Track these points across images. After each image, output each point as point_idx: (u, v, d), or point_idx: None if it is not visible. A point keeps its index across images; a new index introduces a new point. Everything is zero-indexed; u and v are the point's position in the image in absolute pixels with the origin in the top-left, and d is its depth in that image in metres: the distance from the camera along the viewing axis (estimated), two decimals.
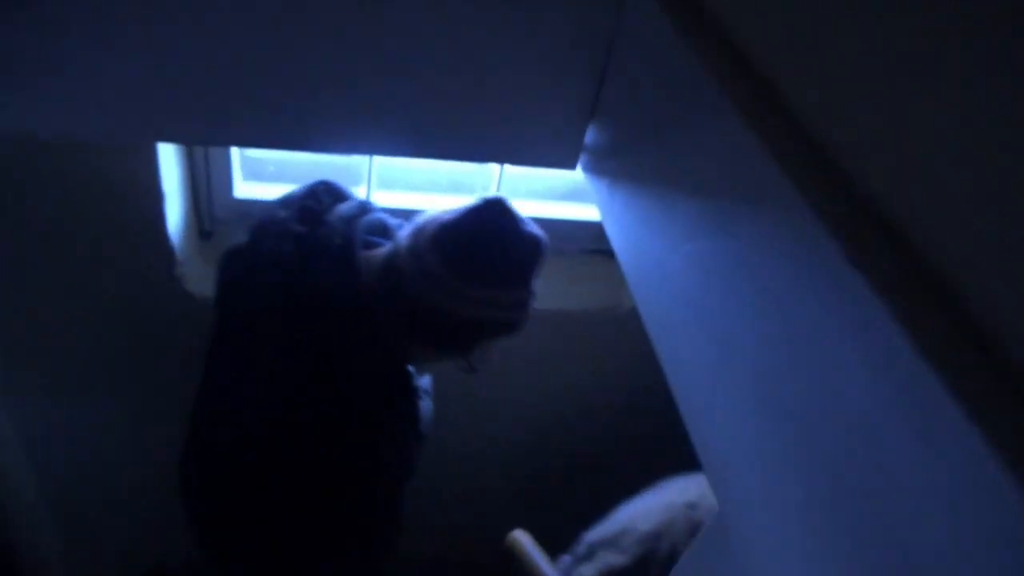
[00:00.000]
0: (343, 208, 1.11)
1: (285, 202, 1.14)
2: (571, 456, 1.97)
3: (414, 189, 1.60)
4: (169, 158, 1.33)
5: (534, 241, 1.01)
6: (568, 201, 1.67)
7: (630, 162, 0.90)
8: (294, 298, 1.01)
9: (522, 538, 1.22)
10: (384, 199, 1.56)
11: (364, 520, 1.09)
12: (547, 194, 1.67)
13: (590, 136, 1.01)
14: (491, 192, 1.19)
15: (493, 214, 0.99)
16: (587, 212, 1.67)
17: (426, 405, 1.17)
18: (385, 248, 1.07)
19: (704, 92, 0.68)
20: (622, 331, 1.64)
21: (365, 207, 1.13)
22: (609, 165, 0.96)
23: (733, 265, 0.65)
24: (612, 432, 1.92)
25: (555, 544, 1.23)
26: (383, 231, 1.14)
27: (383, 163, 1.55)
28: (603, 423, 1.91)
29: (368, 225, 1.10)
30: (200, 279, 1.48)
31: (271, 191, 1.53)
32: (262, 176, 1.54)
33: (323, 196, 1.14)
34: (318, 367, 1.00)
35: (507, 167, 1.58)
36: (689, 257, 0.74)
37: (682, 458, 0.90)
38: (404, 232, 1.04)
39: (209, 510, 1.13)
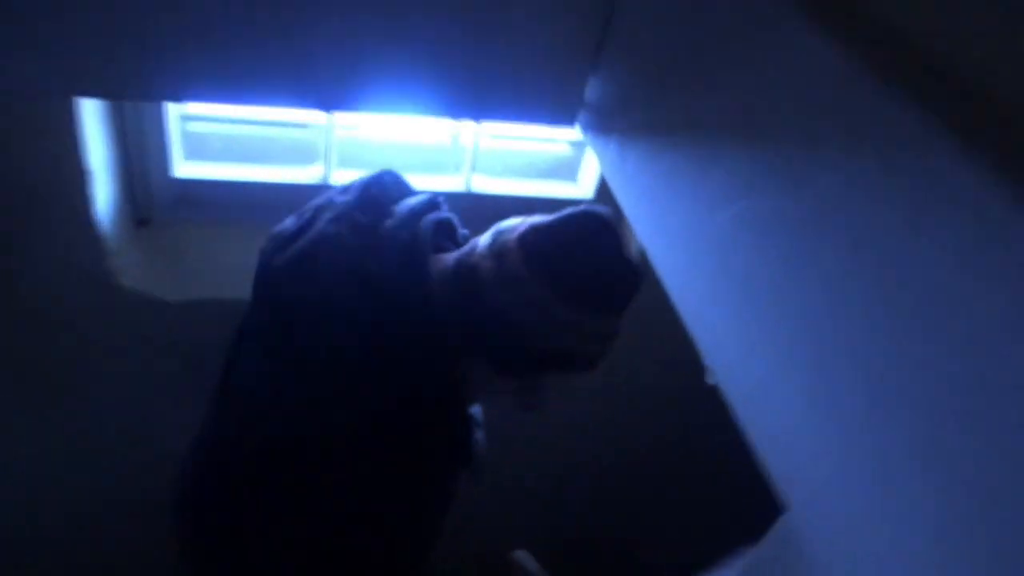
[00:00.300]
0: (412, 201, 0.95)
1: (345, 188, 0.98)
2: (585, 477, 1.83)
3: (379, 167, 1.43)
4: (94, 129, 1.14)
5: (634, 267, 0.85)
6: (549, 179, 1.53)
7: (648, 116, 0.76)
8: (352, 293, 0.85)
9: (524, 559, 1.08)
10: (345, 178, 1.40)
11: (392, 554, 0.96)
12: (527, 171, 1.52)
13: (593, 91, 0.87)
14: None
15: (594, 227, 0.82)
16: (569, 190, 1.52)
17: (480, 437, 1.02)
18: (458, 252, 0.91)
19: (763, 4, 0.54)
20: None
21: (434, 203, 0.97)
22: (618, 122, 0.82)
23: (814, 219, 0.51)
24: (627, 441, 1.78)
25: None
26: (450, 233, 0.98)
27: (344, 138, 1.38)
28: (617, 433, 1.78)
29: (434, 224, 0.93)
30: (137, 272, 1.30)
31: (217, 171, 1.35)
32: (206, 153, 1.36)
33: (390, 186, 0.99)
34: (371, 373, 0.85)
35: (483, 142, 1.43)
36: (740, 218, 0.60)
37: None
38: (485, 236, 0.88)
39: (218, 530, 0.97)
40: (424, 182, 1.42)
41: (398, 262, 0.86)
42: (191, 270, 1.36)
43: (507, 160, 1.51)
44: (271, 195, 1.37)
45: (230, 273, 1.34)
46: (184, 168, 1.34)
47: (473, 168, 1.46)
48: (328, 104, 0.91)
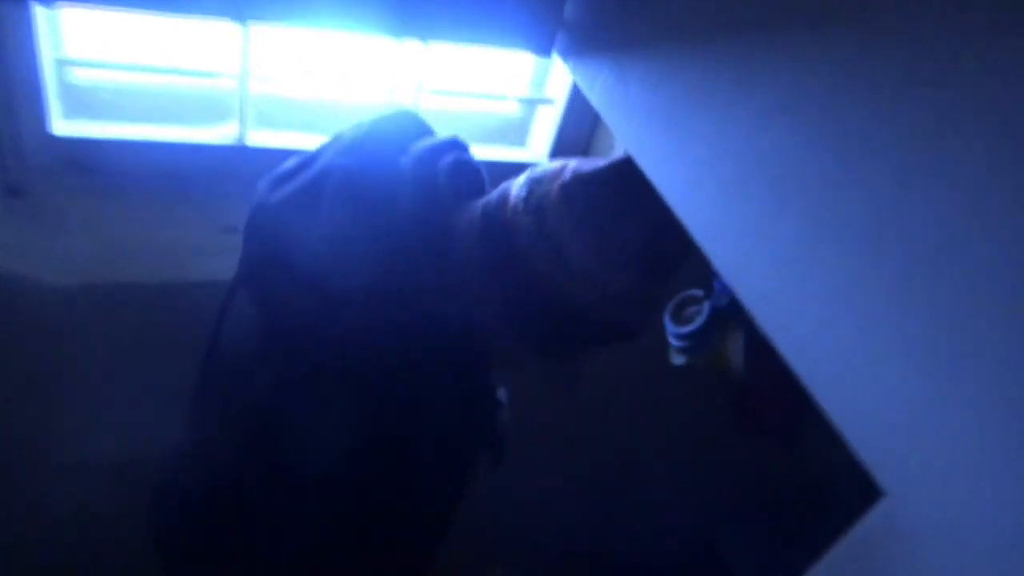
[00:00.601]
0: (431, 140, 0.84)
1: (357, 125, 0.85)
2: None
3: (303, 128, 1.24)
4: None
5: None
6: (496, 143, 1.37)
7: (654, 25, 0.61)
8: (359, 234, 0.75)
9: None
10: (263, 139, 1.20)
11: (405, 541, 0.87)
12: (472, 135, 1.36)
13: (575, 6, 0.72)
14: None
15: (644, 178, 0.68)
16: (519, 155, 1.37)
17: (503, 419, 0.91)
18: (484, 200, 0.78)
19: None
20: None
21: (458, 144, 0.85)
22: (610, 41, 0.67)
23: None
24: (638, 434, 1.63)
25: None
26: (475, 181, 0.84)
27: (261, 95, 1.19)
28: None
29: (455, 164, 0.81)
30: (9, 250, 1.08)
31: (106, 130, 1.14)
32: (92, 109, 1.14)
33: (408, 125, 0.87)
34: (382, 348, 0.73)
35: (424, 102, 1.26)
36: (786, 132, 0.46)
37: None
38: (517, 184, 0.76)
39: (204, 518, 0.87)
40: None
41: (411, 201, 0.76)
42: (76, 249, 1.14)
43: (450, 122, 1.34)
44: (173, 159, 1.17)
45: (124, 252, 1.13)
46: (64, 126, 1.11)
47: None
48: (242, 13, 0.73)
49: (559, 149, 1.33)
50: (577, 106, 1.30)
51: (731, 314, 0.96)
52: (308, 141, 1.24)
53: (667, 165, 0.59)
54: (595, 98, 0.70)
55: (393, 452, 0.76)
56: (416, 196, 0.77)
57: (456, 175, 0.80)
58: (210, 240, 1.18)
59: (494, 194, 0.77)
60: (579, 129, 1.32)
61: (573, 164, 0.73)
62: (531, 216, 0.71)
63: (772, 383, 1.21)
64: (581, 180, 0.71)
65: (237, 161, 1.18)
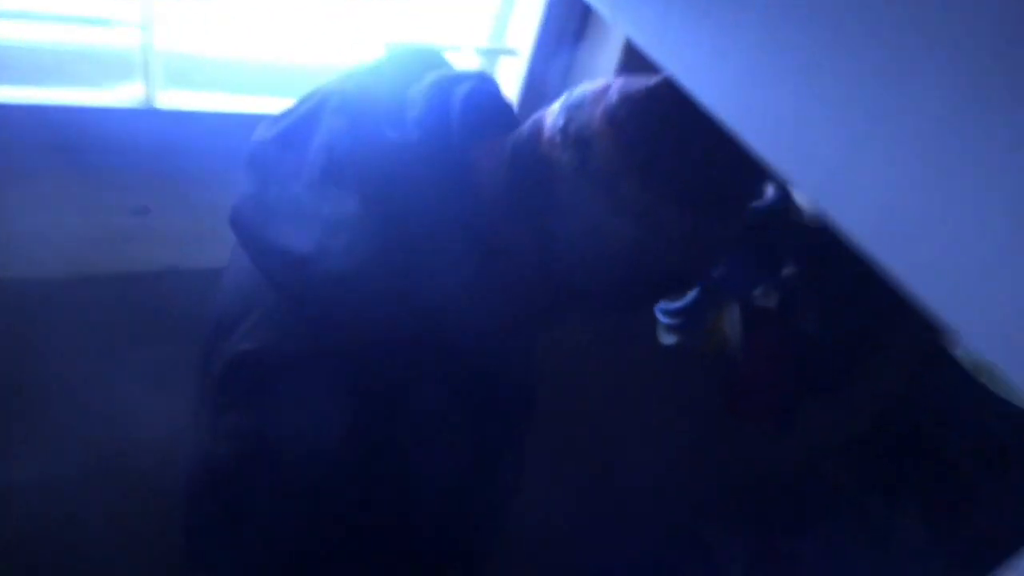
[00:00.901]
0: (448, 71, 0.74)
1: (372, 58, 0.75)
2: None
3: (219, 88, 1.07)
4: None
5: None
6: None
7: None
8: (364, 173, 0.65)
9: None
10: (173, 100, 1.02)
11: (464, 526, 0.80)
12: None
13: None
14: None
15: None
16: None
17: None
18: (514, 136, 0.67)
19: None
20: None
21: (480, 76, 0.75)
22: None
23: None
24: None
25: None
26: (499, 113, 0.75)
27: (171, 53, 1.00)
28: None
29: (473, 95, 0.71)
30: None
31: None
32: None
33: (426, 59, 0.77)
34: (404, 327, 0.65)
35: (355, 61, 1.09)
36: None
37: None
38: (552, 112, 0.65)
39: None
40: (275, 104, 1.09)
41: (420, 130, 0.66)
42: None
43: None
44: (68, 124, 0.98)
45: (6, 245, 0.94)
46: None
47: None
48: None
49: (526, 106, 1.18)
50: (544, 56, 1.14)
51: (724, 288, 0.89)
52: (236, 102, 1.07)
53: (709, 68, 0.43)
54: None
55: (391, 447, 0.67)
56: (425, 125, 0.67)
57: (474, 106, 0.69)
58: (118, 224, 1.00)
59: (524, 127, 0.67)
60: (548, 82, 1.17)
61: (619, 83, 0.62)
62: (572, 149, 0.61)
63: (767, 362, 1.09)
64: (630, 100, 0.60)
65: (146, 126, 1.00)
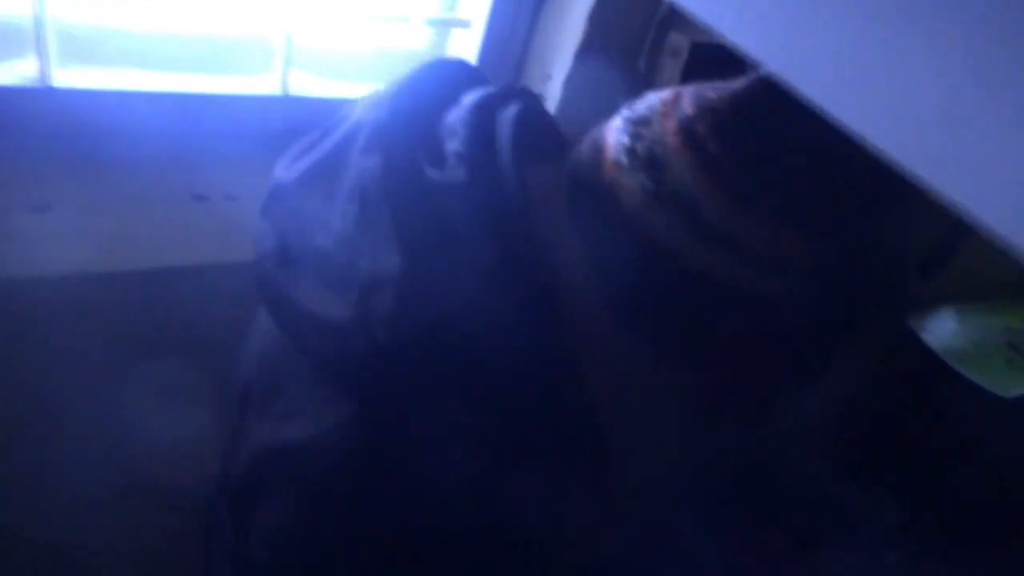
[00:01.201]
0: (481, 95, 0.63)
1: (396, 81, 0.65)
2: None
3: (122, 64, 0.94)
4: None
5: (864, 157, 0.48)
6: None
7: None
8: (398, 216, 0.55)
9: None
10: (71, 78, 0.89)
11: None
12: (376, 75, 1.08)
13: None
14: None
15: (791, 101, 0.44)
16: None
17: None
18: (571, 160, 0.60)
19: None
20: None
21: (523, 93, 0.66)
22: None
23: None
24: None
25: None
26: (549, 136, 0.66)
27: (66, 23, 0.87)
28: None
29: (522, 121, 0.61)
30: None
31: None
32: None
33: (460, 76, 0.68)
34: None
35: (302, 38, 0.97)
36: None
37: None
38: (611, 129, 0.57)
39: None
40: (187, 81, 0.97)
41: (466, 168, 0.57)
42: None
43: (338, 63, 1.06)
44: None
45: None
46: None
47: (288, 70, 1.00)
48: None
49: None
50: (499, 28, 1.04)
51: None
52: (151, 79, 0.94)
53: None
54: None
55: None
56: (470, 160, 0.58)
57: (524, 130, 0.60)
58: (14, 223, 0.87)
59: (582, 149, 0.60)
60: (504, 57, 1.06)
61: (689, 91, 0.55)
62: (643, 172, 0.53)
63: (747, 355, 1.04)
64: (710, 111, 0.52)
65: (42, 107, 0.87)
